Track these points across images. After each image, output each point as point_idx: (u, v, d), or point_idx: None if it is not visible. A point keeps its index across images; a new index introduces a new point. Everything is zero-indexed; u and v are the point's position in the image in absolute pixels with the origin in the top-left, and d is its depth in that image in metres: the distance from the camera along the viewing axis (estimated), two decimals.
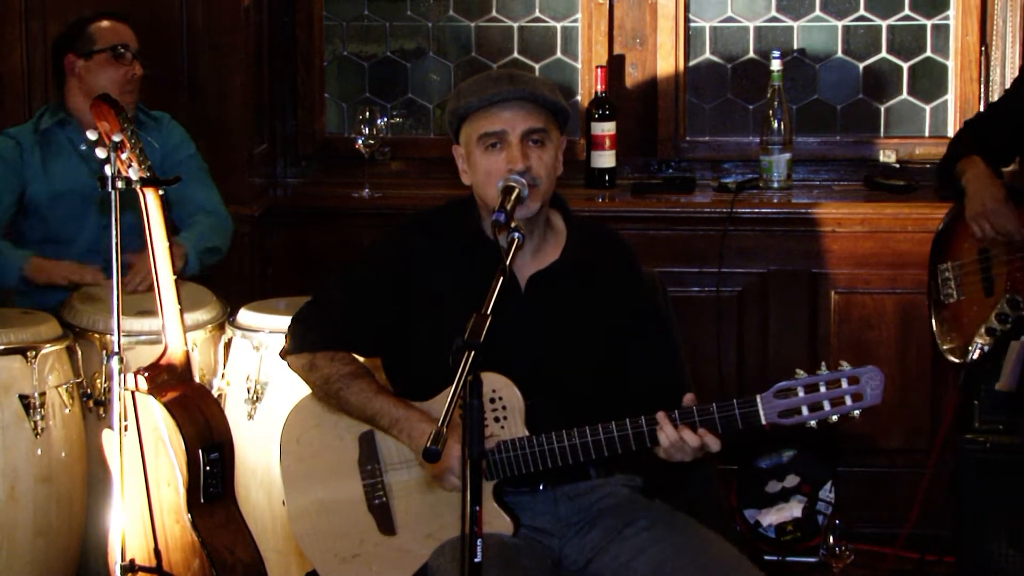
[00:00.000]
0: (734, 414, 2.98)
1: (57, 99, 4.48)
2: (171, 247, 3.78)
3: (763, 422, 2.97)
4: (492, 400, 3.08)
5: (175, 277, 3.64)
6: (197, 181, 4.46)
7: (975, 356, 4.06)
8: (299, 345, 3.27)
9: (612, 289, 3.24)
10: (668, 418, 2.98)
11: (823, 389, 2.95)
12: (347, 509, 3.20)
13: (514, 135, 3.10)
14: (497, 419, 3.09)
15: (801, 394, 2.96)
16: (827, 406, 2.95)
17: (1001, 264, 4.09)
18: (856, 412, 2.95)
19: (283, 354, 3.32)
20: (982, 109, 4.86)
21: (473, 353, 2.62)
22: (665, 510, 3.16)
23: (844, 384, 2.95)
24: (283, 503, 3.27)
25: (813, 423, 2.97)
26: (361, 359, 3.30)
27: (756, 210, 4.80)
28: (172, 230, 4.12)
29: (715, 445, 3.00)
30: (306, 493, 3.24)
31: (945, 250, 4.24)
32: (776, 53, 4.89)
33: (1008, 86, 4.74)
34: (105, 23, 4.39)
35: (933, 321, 4.29)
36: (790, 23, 5.15)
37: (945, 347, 4.30)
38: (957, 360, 4.18)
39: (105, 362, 3.90)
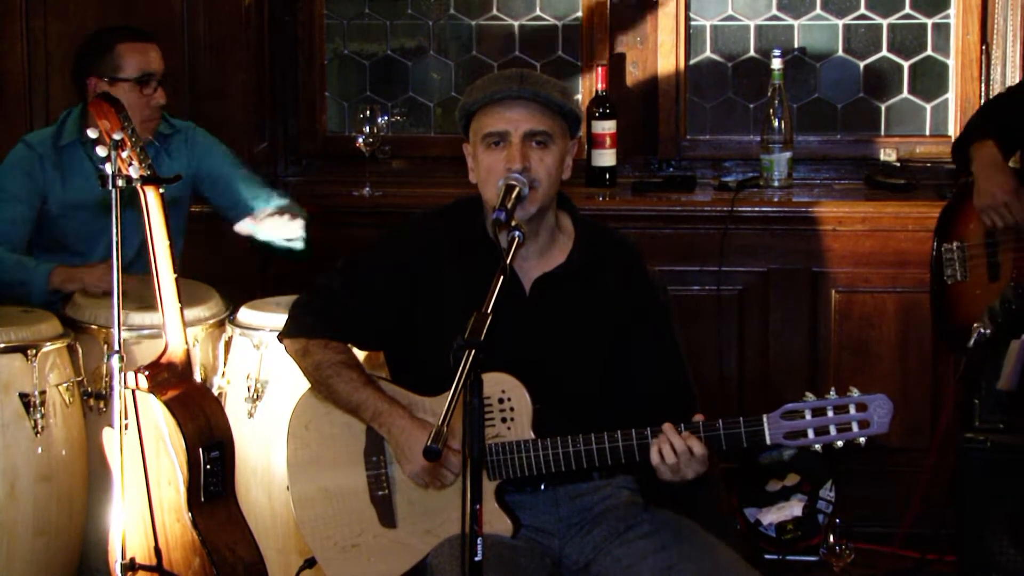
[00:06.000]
0: (739, 432, 2.99)
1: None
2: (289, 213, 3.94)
3: (768, 442, 2.98)
4: (501, 400, 3.09)
5: (176, 275, 3.65)
6: (240, 179, 4.42)
7: (975, 341, 4.02)
8: (295, 329, 3.28)
9: (617, 292, 3.23)
10: (674, 429, 2.99)
11: (830, 414, 2.96)
12: (350, 499, 3.20)
13: (516, 135, 3.09)
14: (504, 420, 3.09)
15: (808, 417, 2.97)
16: (833, 431, 2.97)
17: (1008, 250, 4.08)
18: (862, 439, 2.96)
19: (280, 336, 3.33)
20: (1003, 91, 4.79)
21: (473, 352, 2.62)
22: (669, 515, 3.16)
23: (852, 410, 2.96)
24: (287, 488, 3.27)
25: (818, 447, 2.97)
26: (359, 352, 3.31)
27: (757, 209, 4.80)
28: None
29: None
30: (310, 480, 3.24)
31: (952, 228, 4.22)
32: (777, 52, 4.89)
33: (1009, 83, 4.73)
34: (133, 45, 4.25)
35: (933, 301, 4.28)
36: (791, 22, 5.14)
37: (943, 329, 4.29)
38: (954, 342, 4.17)
39: (106, 358, 3.90)
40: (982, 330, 3.96)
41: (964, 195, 4.17)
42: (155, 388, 3.62)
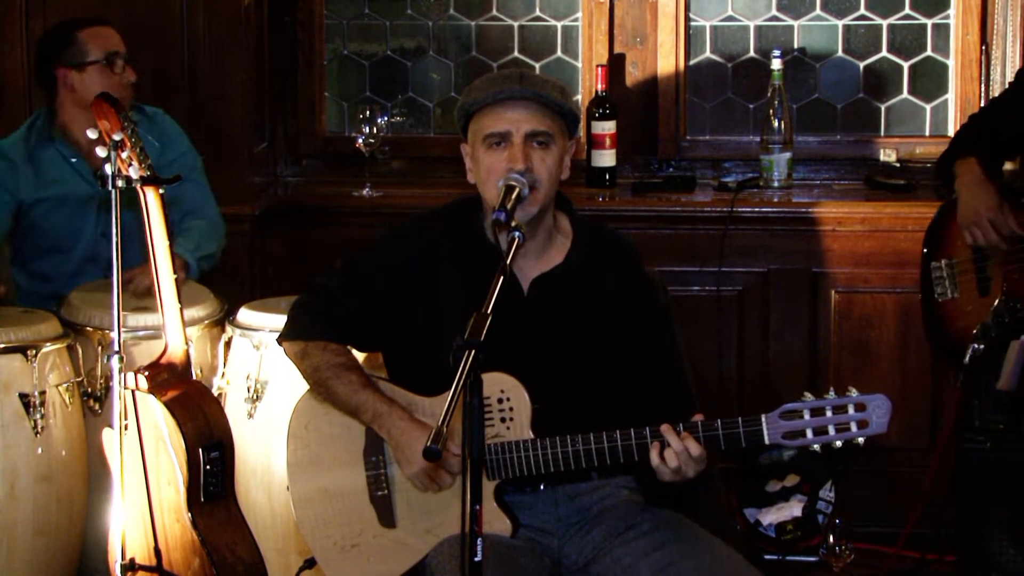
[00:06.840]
0: (738, 432, 2.99)
1: (44, 104, 4.44)
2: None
3: (766, 442, 2.98)
4: (500, 400, 3.09)
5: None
6: (190, 180, 4.42)
7: (971, 357, 4.04)
8: (295, 332, 3.28)
9: (616, 292, 3.23)
10: (672, 430, 2.99)
11: (829, 414, 2.96)
12: (349, 498, 3.21)
13: (518, 135, 3.09)
14: (503, 419, 3.09)
15: (807, 417, 2.96)
16: (832, 431, 2.96)
17: (998, 264, 4.08)
18: (860, 439, 2.96)
19: (279, 339, 3.33)
20: (985, 103, 4.83)
21: (473, 352, 2.62)
22: (668, 514, 3.16)
23: (851, 410, 2.96)
24: (287, 488, 3.27)
25: (817, 447, 2.97)
26: (358, 353, 3.31)
27: (756, 209, 4.80)
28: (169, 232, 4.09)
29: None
30: (310, 480, 3.25)
31: (939, 244, 4.22)
32: (777, 52, 4.89)
33: (1008, 83, 4.74)
34: (93, 30, 4.31)
35: (926, 319, 4.28)
36: (791, 22, 5.15)
37: (937, 346, 4.29)
38: (950, 358, 4.17)
39: (104, 360, 3.90)
40: (976, 345, 3.97)
41: (949, 212, 4.18)
42: (155, 388, 3.62)
